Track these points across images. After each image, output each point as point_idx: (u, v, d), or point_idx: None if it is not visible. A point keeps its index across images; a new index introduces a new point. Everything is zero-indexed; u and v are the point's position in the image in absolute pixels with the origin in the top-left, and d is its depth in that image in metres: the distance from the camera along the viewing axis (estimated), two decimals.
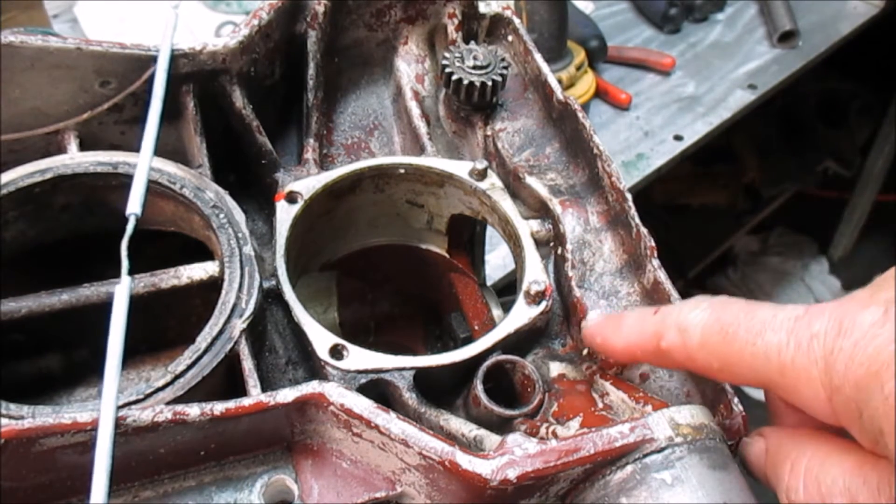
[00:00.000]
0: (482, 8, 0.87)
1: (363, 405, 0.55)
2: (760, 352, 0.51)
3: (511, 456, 0.52)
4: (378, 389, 0.65)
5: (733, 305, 0.54)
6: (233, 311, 0.62)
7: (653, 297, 0.69)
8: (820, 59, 2.41)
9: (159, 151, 0.70)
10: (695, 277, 3.10)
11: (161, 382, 0.57)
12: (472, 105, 0.82)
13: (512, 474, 0.52)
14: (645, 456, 0.53)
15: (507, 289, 1.50)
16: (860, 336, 0.46)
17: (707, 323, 0.54)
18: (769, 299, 2.58)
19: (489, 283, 1.17)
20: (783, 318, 0.51)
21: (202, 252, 0.70)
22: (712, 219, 3.37)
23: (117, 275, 0.61)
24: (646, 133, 2.13)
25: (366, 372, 0.64)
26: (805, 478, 0.52)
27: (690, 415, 0.55)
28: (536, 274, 0.71)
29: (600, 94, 2.18)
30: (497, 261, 1.64)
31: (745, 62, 2.35)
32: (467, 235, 0.91)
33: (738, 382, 0.56)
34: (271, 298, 0.69)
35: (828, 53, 2.43)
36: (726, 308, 0.54)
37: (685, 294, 0.67)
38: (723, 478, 0.53)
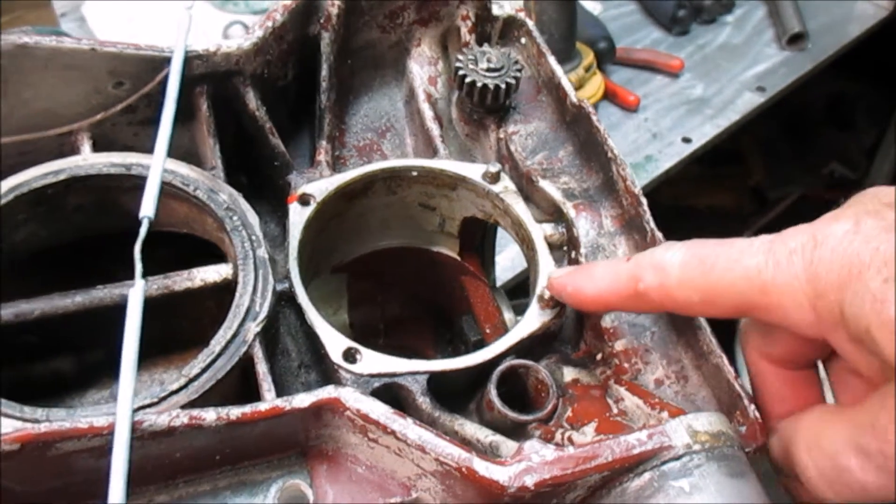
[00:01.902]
0: (495, 10, 0.87)
1: (380, 410, 0.54)
2: (741, 276, 0.53)
3: (528, 463, 0.52)
4: (391, 393, 0.65)
5: (708, 242, 0.56)
6: (247, 314, 0.62)
7: None
8: (828, 61, 2.40)
9: (172, 153, 0.69)
10: None
11: (175, 386, 0.57)
12: (485, 108, 0.82)
13: (529, 481, 0.51)
14: (663, 463, 0.53)
15: (516, 290, 1.49)
16: (836, 244, 0.49)
17: (684, 259, 0.56)
18: None
19: (498, 284, 1.17)
20: (759, 243, 0.53)
21: (215, 254, 0.70)
22: (718, 220, 3.36)
23: (129, 276, 0.61)
24: (654, 135, 2.13)
25: (379, 376, 0.64)
26: (810, 451, 0.53)
27: (708, 422, 0.55)
28: None
29: (609, 95, 2.18)
30: (506, 262, 1.64)
31: (754, 64, 2.34)
32: (478, 238, 0.90)
33: (718, 313, 0.57)
34: (284, 301, 0.69)
35: (836, 56, 2.42)
36: (702, 245, 0.56)
37: None
38: (741, 486, 0.53)
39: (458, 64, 0.80)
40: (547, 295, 0.69)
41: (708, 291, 0.55)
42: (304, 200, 0.73)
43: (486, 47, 0.81)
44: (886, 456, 0.47)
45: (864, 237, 0.48)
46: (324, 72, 0.82)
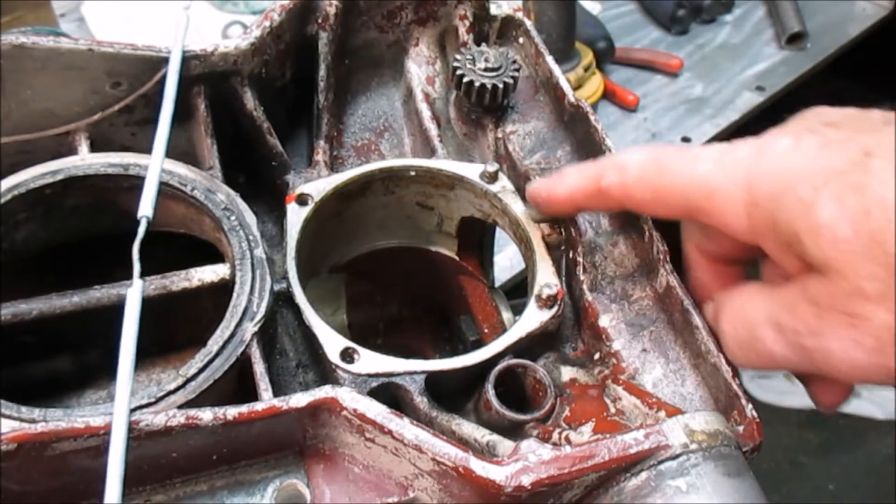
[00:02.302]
0: (493, 10, 0.87)
1: (376, 410, 0.54)
2: (691, 180, 0.58)
3: (525, 462, 0.52)
4: (389, 393, 0.65)
5: (668, 146, 0.62)
6: (244, 314, 0.62)
7: (665, 302, 0.69)
8: (828, 61, 2.40)
9: (170, 153, 0.69)
10: None
11: (172, 386, 0.57)
12: (483, 107, 0.82)
13: (526, 481, 0.51)
14: (660, 463, 0.53)
15: (515, 290, 1.49)
16: (776, 157, 0.54)
17: (644, 160, 0.62)
18: None
19: (496, 284, 1.17)
20: (711, 151, 0.58)
21: (213, 254, 0.70)
22: None
23: (127, 276, 0.61)
24: (653, 135, 2.13)
25: (377, 375, 0.64)
26: (733, 320, 0.59)
27: (705, 421, 0.55)
28: (548, 278, 0.71)
29: (608, 95, 2.18)
30: (504, 262, 1.64)
31: (753, 64, 2.34)
32: (476, 238, 0.90)
33: (668, 213, 0.62)
34: (282, 301, 0.69)
35: (836, 55, 2.42)
36: (662, 148, 0.62)
37: (691, 294, 0.66)
38: (738, 485, 0.53)
39: (455, 63, 0.80)
40: (545, 294, 0.69)
41: (661, 192, 0.60)
42: (302, 200, 0.73)
43: (483, 47, 0.81)
44: (799, 333, 0.53)
45: (801, 153, 0.52)
46: (321, 72, 0.82)
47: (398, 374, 0.64)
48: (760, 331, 0.56)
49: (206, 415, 0.52)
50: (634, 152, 0.63)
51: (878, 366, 0.50)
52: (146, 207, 0.65)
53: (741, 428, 0.59)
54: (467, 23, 0.85)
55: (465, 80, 0.79)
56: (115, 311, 0.59)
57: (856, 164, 0.50)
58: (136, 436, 0.51)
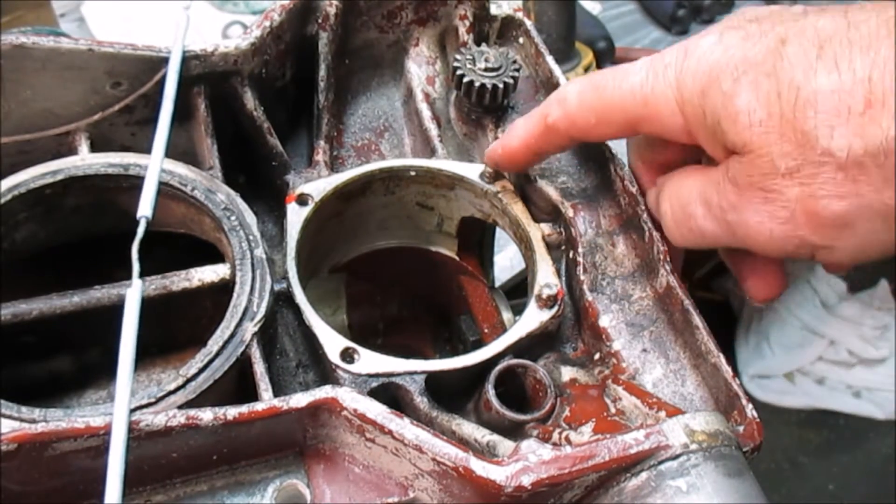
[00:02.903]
0: (493, 10, 0.87)
1: (377, 410, 0.54)
2: (627, 92, 0.60)
3: (525, 462, 0.52)
4: (389, 393, 0.65)
5: (603, 70, 0.65)
6: (244, 314, 0.62)
7: (665, 302, 0.69)
8: None
9: (170, 153, 0.69)
10: (700, 279, 3.10)
11: (172, 386, 0.57)
12: (483, 107, 0.82)
13: (526, 481, 0.51)
14: (660, 463, 0.53)
15: (515, 290, 1.49)
16: (702, 54, 0.57)
17: (581, 87, 0.65)
18: (777, 301, 2.56)
19: (496, 284, 1.17)
20: (642, 62, 0.61)
21: (213, 254, 0.70)
22: None
23: (128, 276, 0.61)
24: None
25: (377, 376, 0.64)
26: (670, 199, 0.63)
27: (705, 421, 0.55)
28: (548, 278, 0.71)
29: None
30: (504, 262, 1.64)
31: None
32: (477, 238, 0.90)
33: (613, 132, 0.65)
34: (282, 301, 0.69)
35: None
36: (597, 73, 0.65)
37: (692, 296, 0.66)
38: (738, 485, 0.53)
39: (455, 63, 0.80)
40: (545, 294, 0.69)
41: (602, 111, 0.63)
42: (302, 200, 0.73)
43: (484, 47, 0.81)
44: (723, 209, 0.57)
45: (724, 47, 0.56)
46: (322, 72, 0.82)
47: (398, 374, 0.64)
48: (692, 207, 0.60)
49: (206, 415, 0.52)
50: (571, 84, 0.66)
51: (791, 237, 0.55)
52: (145, 207, 0.65)
53: (741, 428, 0.59)
54: (467, 23, 0.85)
55: (466, 80, 0.79)
56: (115, 311, 0.59)
57: (771, 51, 0.53)
58: (136, 436, 0.51)
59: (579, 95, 0.64)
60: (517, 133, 0.70)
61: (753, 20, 0.57)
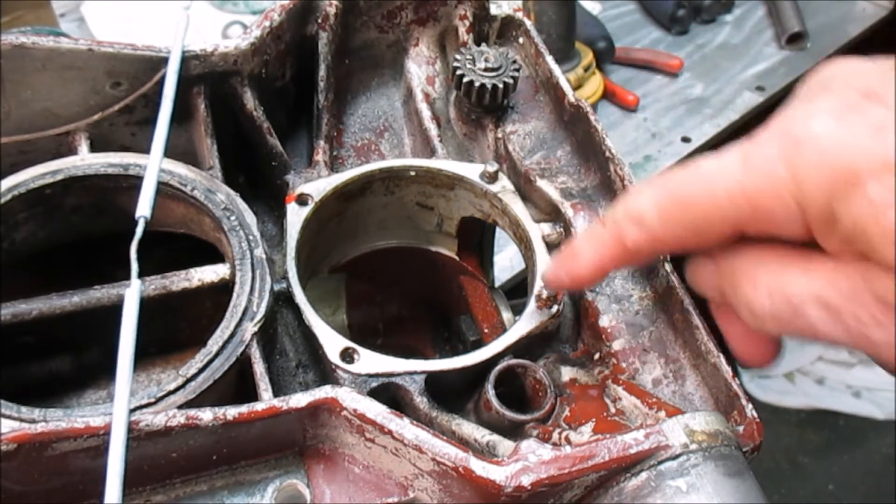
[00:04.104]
0: (493, 10, 0.87)
1: (376, 410, 0.54)
2: (724, 198, 0.51)
3: (525, 462, 0.52)
4: (388, 393, 0.65)
5: (673, 174, 0.54)
6: (244, 314, 0.62)
7: (666, 302, 0.69)
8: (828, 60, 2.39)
9: (170, 153, 0.69)
10: None
11: (172, 386, 0.57)
12: (483, 107, 0.82)
13: (526, 481, 0.51)
14: (660, 463, 0.53)
15: (515, 290, 1.49)
16: (822, 144, 0.47)
17: (658, 200, 0.54)
18: None
19: (496, 284, 1.17)
20: (731, 158, 0.51)
21: (213, 254, 0.70)
22: None
23: (127, 276, 0.61)
24: (653, 135, 2.13)
25: (377, 376, 0.64)
26: (770, 291, 0.52)
27: (705, 421, 0.55)
28: None
29: (608, 95, 2.18)
30: (504, 262, 1.64)
31: (754, 64, 2.34)
32: (477, 238, 0.90)
33: (711, 241, 0.54)
34: (282, 301, 0.69)
35: (836, 55, 2.41)
36: (669, 179, 0.54)
37: (691, 294, 0.66)
38: (738, 485, 0.53)
39: (455, 63, 0.80)
40: (545, 294, 0.69)
41: (694, 224, 0.53)
42: (302, 200, 0.73)
43: (483, 47, 0.81)
44: (862, 323, 0.48)
45: (850, 136, 0.46)
46: (321, 72, 0.82)
47: (398, 374, 0.64)
48: (806, 308, 0.50)
49: (206, 415, 0.52)
50: (641, 196, 0.55)
51: None
52: (144, 207, 0.65)
53: (741, 428, 0.59)
54: (467, 23, 0.85)
55: (465, 80, 0.79)
56: (114, 311, 0.59)
57: None
58: (135, 436, 0.51)
59: (660, 211, 0.54)
60: (586, 257, 0.60)
61: (871, 96, 0.48)
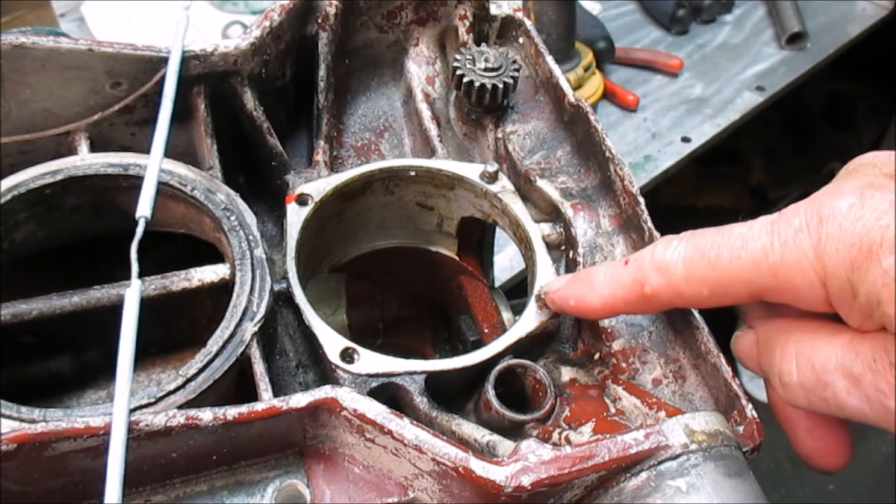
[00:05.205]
0: (493, 10, 0.87)
1: (376, 410, 0.54)
2: (748, 262, 0.53)
3: (525, 462, 0.52)
4: (388, 393, 0.65)
5: (706, 233, 0.56)
6: (244, 314, 0.62)
7: None
8: (828, 60, 2.40)
9: (170, 153, 0.69)
10: None
11: (172, 386, 0.57)
12: (483, 107, 0.82)
13: (526, 481, 0.51)
14: (660, 463, 0.53)
15: (515, 291, 1.49)
16: (843, 220, 0.49)
17: (686, 255, 0.56)
18: None
19: (496, 284, 1.17)
20: (760, 227, 0.53)
21: (213, 254, 0.70)
22: (718, 220, 3.34)
23: (127, 276, 0.61)
24: (653, 135, 2.13)
25: (377, 376, 0.64)
26: (798, 359, 0.54)
27: (705, 421, 0.55)
28: (548, 278, 0.71)
29: (608, 95, 2.18)
30: (504, 262, 1.64)
31: (753, 64, 2.34)
32: (477, 238, 0.90)
33: (729, 302, 0.57)
34: (282, 301, 0.69)
35: (836, 55, 2.42)
36: (700, 237, 0.56)
37: None
38: (738, 485, 0.53)
39: (455, 63, 0.80)
40: (549, 302, 0.69)
41: (717, 283, 0.55)
42: (302, 200, 0.73)
43: (483, 47, 0.81)
44: (882, 392, 0.49)
45: (872, 213, 0.48)
46: (321, 72, 0.82)
47: (398, 374, 0.64)
48: (830, 377, 0.52)
49: (205, 415, 0.52)
50: (672, 247, 0.57)
51: None
52: (144, 207, 0.65)
53: (741, 428, 0.59)
54: (467, 23, 0.85)
55: (465, 80, 0.79)
56: (114, 311, 0.59)
57: None
58: (135, 436, 0.51)
59: (686, 265, 0.56)
60: (599, 291, 0.62)
61: (891, 176, 0.50)
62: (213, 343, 0.60)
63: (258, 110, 0.77)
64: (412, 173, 0.78)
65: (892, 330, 0.48)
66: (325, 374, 0.67)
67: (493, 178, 0.77)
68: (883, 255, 0.47)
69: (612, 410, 0.64)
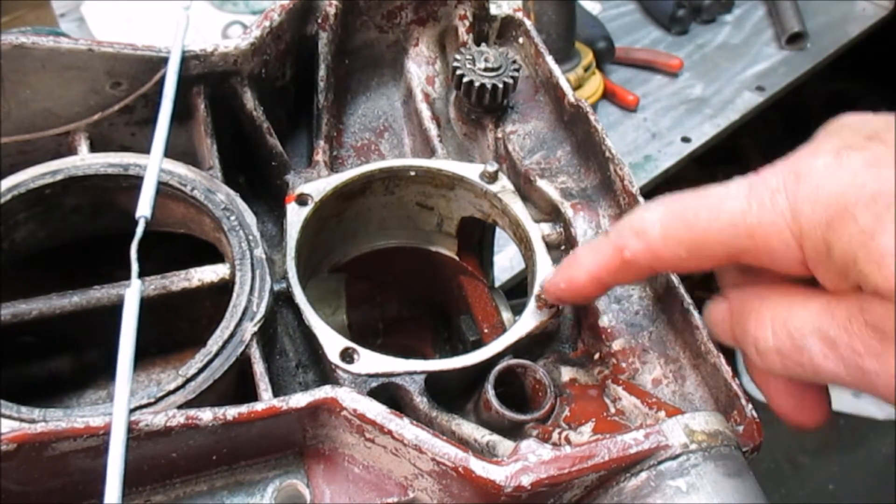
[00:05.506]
0: (493, 10, 0.87)
1: (376, 410, 0.54)
2: (725, 223, 0.52)
3: (525, 462, 0.52)
4: (388, 393, 0.65)
5: (684, 195, 0.56)
6: (244, 314, 0.62)
7: (665, 302, 0.69)
8: (828, 60, 2.40)
9: (170, 153, 0.69)
10: (701, 279, 3.10)
11: (172, 386, 0.57)
12: (483, 107, 0.82)
13: (526, 481, 0.51)
14: (660, 463, 0.53)
15: (515, 290, 1.49)
16: (819, 179, 0.49)
17: (664, 217, 0.56)
18: None
19: (496, 284, 1.17)
20: (737, 188, 0.53)
21: (212, 254, 0.70)
22: None
23: (127, 276, 0.61)
24: (653, 135, 2.13)
25: (376, 376, 0.64)
26: (773, 325, 0.54)
27: (705, 421, 0.55)
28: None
29: (608, 95, 2.18)
30: (504, 262, 1.64)
31: (753, 64, 2.34)
32: (476, 238, 0.90)
33: (707, 265, 0.56)
34: (282, 301, 0.69)
35: (836, 55, 2.42)
36: (678, 200, 0.56)
37: (692, 295, 0.66)
38: (738, 485, 0.53)
39: (455, 63, 0.80)
40: (545, 294, 0.69)
41: (694, 244, 0.55)
42: (302, 200, 0.73)
43: (483, 47, 0.81)
44: (857, 353, 0.49)
45: (849, 172, 0.48)
46: (321, 72, 0.82)
47: (398, 374, 0.64)
48: (806, 341, 0.51)
49: (205, 415, 0.52)
50: (648, 211, 0.58)
51: None
52: (144, 207, 0.65)
53: (741, 428, 0.59)
54: (467, 23, 0.85)
55: (465, 80, 0.79)
56: (114, 311, 0.59)
57: None
58: (135, 436, 0.51)
59: (663, 227, 0.56)
60: (584, 266, 0.62)
61: (874, 138, 0.49)
62: (213, 343, 0.60)
63: (258, 110, 0.77)
64: (412, 173, 0.78)
65: (868, 289, 0.48)
66: (325, 374, 0.67)
67: (493, 178, 0.77)
68: (859, 214, 0.47)
69: (612, 410, 0.64)
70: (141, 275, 0.61)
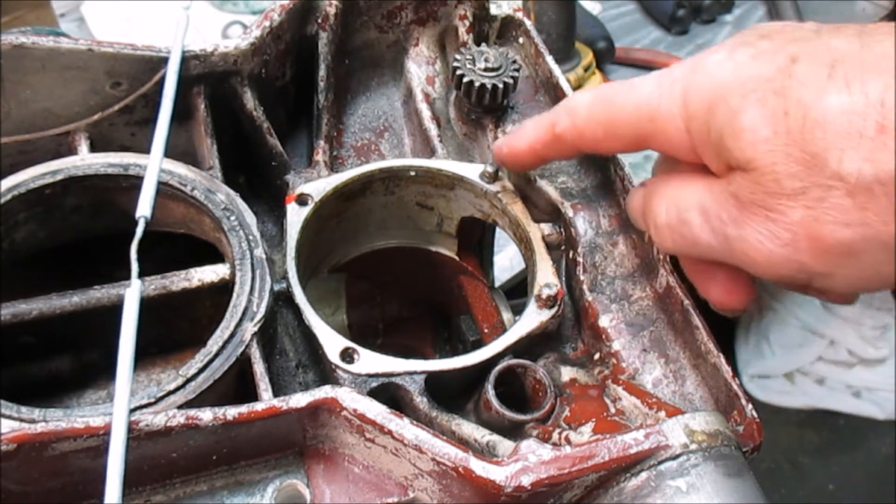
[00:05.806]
0: (493, 10, 0.87)
1: (376, 410, 0.54)
2: (634, 107, 0.59)
3: (525, 462, 0.52)
4: (388, 393, 0.65)
5: (613, 82, 0.64)
6: (244, 314, 0.62)
7: (665, 302, 0.69)
8: None
9: (170, 153, 0.69)
10: None
11: (172, 386, 0.57)
12: (483, 107, 0.82)
13: (526, 481, 0.51)
14: (660, 463, 0.53)
15: (515, 291, 1.49)
16: (709, 70, 0.55)
17: (591, 99, 0.64)
18: (776, 301, 2.55)
19: (496, 284, 1.17)
20: (652, 76, 0.60)
21: (212, 254, 0.70)
22: None
23: (127, 276, 0.61)
24: None
25: (377, 376, 0.64)
26: (666, 203, 0.60)
27: (705, 421, 0.55)
28: (548, 278, 0.71)
29: None
30: (504, 262, 1.64)
31: None
32: (477, 238, 0.90)
33: (620, 146, 0.63)
34: (282, 301, 0.69)
35: None
36: (608, 85, 0.64)
37: (691, 294, 0.66)
38: (738, 485, 0.53)
39: (455, 63, 0.80)
40: (545, 294, 0.69)
41: (609, 125, 0.62)
42: (302, 200, 0.73)
43: (483, 47, 0.81)
44: (723, 221, 0.55)
45: (734, 63, 0.54)
46: (321, 72, 0.82)
47: (398, 374, 0.64)
48: (689, 215, 0.58)
49: (205, 415, 0.52)
50: (581, 93, 0.65)
51: (791, 260, 0.53)
52: (144, 207, 0.65)
53: (741, 428, 0.59)
54: (467, 23, 0.85)
55: (465, 80, 0.79)
56: (114, 311, 0.59)
57: (781, 69, 0.52)
58: (135, 436, 0.51)
59: (588, 107, 0.63)
60: (525, 135, 0.69)
61: (765, 37, 0.55)
62: (213, 343, 0.60)
63: (258, 110, 0.77)
64: (412, 173, 0.78)
65: (732, 163, 0.53)
66: (325, 374, 0.67)
67: (493, 178, 0.77)
68: (730, 97, 0.53)
69: (612, 410, 0.64)
70: (141, 275, 0.61)
